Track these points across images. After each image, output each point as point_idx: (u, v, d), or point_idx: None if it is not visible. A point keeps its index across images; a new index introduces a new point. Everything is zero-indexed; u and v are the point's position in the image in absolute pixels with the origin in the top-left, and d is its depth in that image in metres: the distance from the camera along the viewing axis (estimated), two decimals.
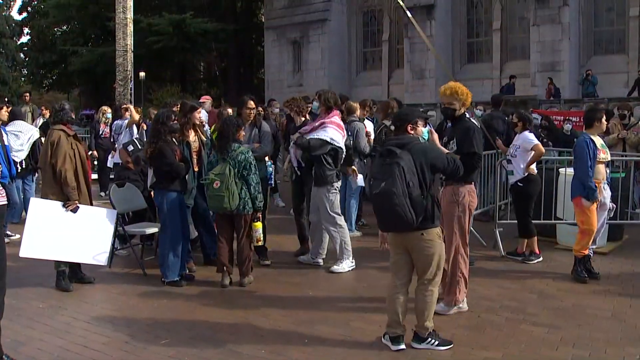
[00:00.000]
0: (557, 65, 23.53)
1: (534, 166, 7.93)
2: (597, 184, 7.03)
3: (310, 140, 7.29)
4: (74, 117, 7.20)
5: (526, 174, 7.82)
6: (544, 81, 23.49)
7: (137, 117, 11.47)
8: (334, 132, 7.37)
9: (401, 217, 4.76)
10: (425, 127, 5.31)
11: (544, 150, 7.97)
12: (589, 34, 24.41)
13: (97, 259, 6.96)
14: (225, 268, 6.89)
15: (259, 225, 6.91)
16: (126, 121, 11.80)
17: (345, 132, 7.69)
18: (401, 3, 10.24)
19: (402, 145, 4.96)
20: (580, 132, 7.60)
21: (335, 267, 7.47)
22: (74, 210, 6.67)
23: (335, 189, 7.50)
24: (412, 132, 5.16)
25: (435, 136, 5.89)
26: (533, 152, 7.81)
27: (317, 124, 7.45)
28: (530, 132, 8.07)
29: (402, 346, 5.07)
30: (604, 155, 7.13)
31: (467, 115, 6.25)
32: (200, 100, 12.25)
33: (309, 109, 10.97)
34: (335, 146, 7.38)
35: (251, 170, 6.74)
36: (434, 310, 5.18)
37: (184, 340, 5.33)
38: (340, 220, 7.55)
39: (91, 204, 7.01)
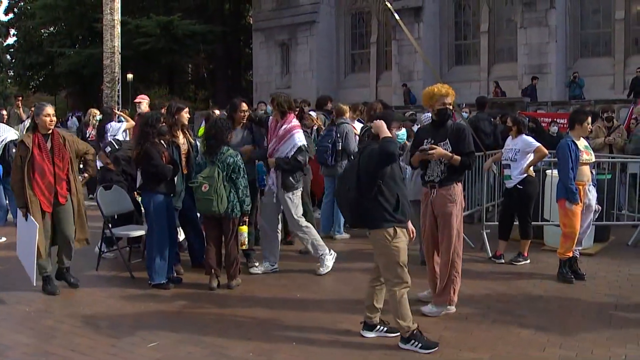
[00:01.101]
0: (544, 68, 23.68)
1: (531, 167, 7.96)
2: (581, 186, 7.06)
3: (298, 159, 7.23)
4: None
5: (525, 175, 7.81)
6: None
7: (132, 122, 11.48)
8: (301, 135, 7.35)
9: (345, 215, 5.30)
10: (401, 130, 5.27)
11: (547, 152, 7.94)
12: (576, 36, 24.59)
13: (30, 274, 6.67)
14: (213, 271, 6.88)
15: (244, 229, 6.90)
16: (124, 124, 11.78)
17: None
18: (389, 5, 10.28)
19: (361, 150, 5.25)
20: (565, 134, 7.62)
21: (321, 269, 7.45)
22: (26, 218, 6.48)
23: (299, 193, 7.51)
24: None
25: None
26: (533, 154, 7.79)
27: (281, 132, 7.27)
28: (527, 135, 8.07)
29: (369, 334, 5.27)
30: (588, 156, 7.13)
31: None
32: (136, 100, 11.65)
33: (297, 112, 10.95)
34: (307, 149, 7.43)
35: (240, 174, 6.72)
36: (404, 311, 5.12)
37: (172, 343, 5.31)
38: (304, 221, 7.53)
39: (46, 210, 6.54)
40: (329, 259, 7.52)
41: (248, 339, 5.40)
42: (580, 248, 7.52)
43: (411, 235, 5.33)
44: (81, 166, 7.13)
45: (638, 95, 19.93)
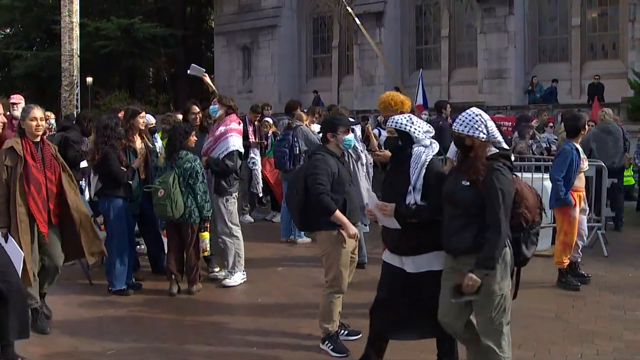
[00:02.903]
0: (503, 73, 24.01)
1: None
2: (580, 193, 7.11)
3: (226, 162, 7.02)
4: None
5: None
6: (491, 88, 23.98)
7: None
8: (237, 140, 7.17)
9: (294, 218, 5.40)
10: (348, 134, 5.25)
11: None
12: (534, 42, 25.01)
13: None
14: (173, 276, 6.81)
15: (206, 235, 6.83)
16: None
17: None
18: (350, 10, 10.35)
19: (309, 154, 5.39)
20: (565, 141, 7.48)
21: (227, 280, 7.22)
22: (5, 239, 5.39)
23: (234, 199, 7.29)
24: (332, 139, 5.20)
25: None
26: None
27: (217, 133, 7.14)
28: None
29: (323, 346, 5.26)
30: (585, 164, 7.21)
31: None
32: (11, 101, 9.91)
33: (258, 117, 10.93)
34: (240, 152, 7.29)
35: (198, 179, 6.65)
36: (329, 314, 5.16)
37: (131, 350, 5.24)
38: (237, 231, 7.26)
39: (42, 231, 5.61)
40: (240, 276, 7.27)
41: (208, 345, 5.36)
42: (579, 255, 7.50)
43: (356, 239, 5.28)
44: None
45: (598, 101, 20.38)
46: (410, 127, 4.39)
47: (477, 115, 4.07)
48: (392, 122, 4.49)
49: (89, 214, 6.33)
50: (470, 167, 4.03)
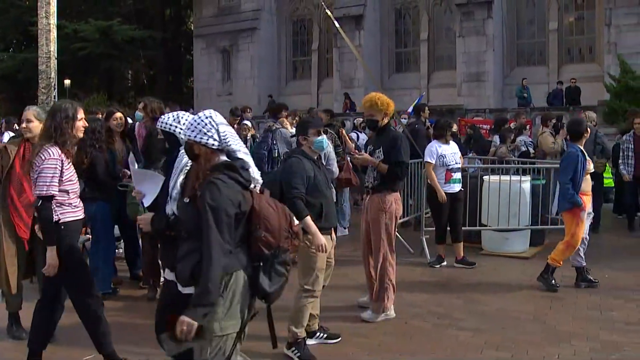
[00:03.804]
0: (482, 76, 24.18)
1: None
2: (587, 196, 7.10)
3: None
4: None
5: None
6: (470, 91, 24.14)
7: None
8: None
9: None
10: (319, 136, 5.14)
11: None
12: (512, 45, 25.23)
13: None
14: (151, 281, 6.73)
15: None
16: None
17: None
18: (329, 13, 10.33)
19: (285, 157, 5.43)
20: (570, 144, 7.51)
21: None
22: None
23: None
24: (304, 142, 5.16)
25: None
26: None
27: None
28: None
29: (309, 341, 5.23)
30: (590, 165, 7.22)
31: (392, 124, 6.35)
32: None
33: (238, 120, 10.89)
34: None
35: None
36: (300, 318, 5.08)
37: None
38: None
39: (22, 237, 5.43)
40: None
41: None
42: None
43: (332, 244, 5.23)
44: None
45: (574, 105, 20.60)
46: (176, 127, 3.94)
47: (207, 118, 3.46)
48: (160, 122, 4.06)
49: None
50: (189, 181, 3.48)
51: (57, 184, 4.49)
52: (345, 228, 10.13)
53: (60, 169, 4.51)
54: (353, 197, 12.13)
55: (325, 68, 29.79)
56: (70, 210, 4.66)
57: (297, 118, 9.99)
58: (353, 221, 10.17)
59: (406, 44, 27.98)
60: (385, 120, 6.12)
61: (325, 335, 5.40)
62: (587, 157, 7.20)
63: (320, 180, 5.08)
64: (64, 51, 27.80)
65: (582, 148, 7.13)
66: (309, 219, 4.87)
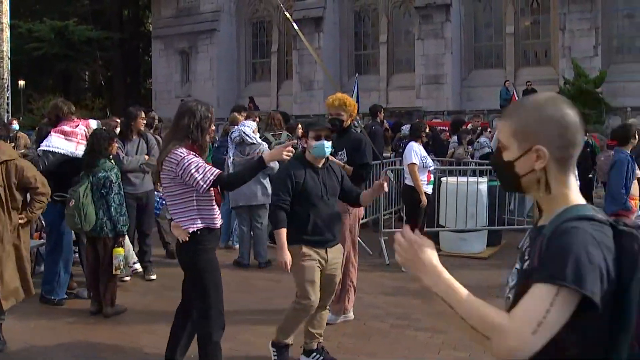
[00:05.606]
0: (440, 78, 24.48)
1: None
2: (635, 201, 7.09)
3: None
4: None
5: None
6: (428, 93, 24.41)
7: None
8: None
9: None
10: (319, 141, 4.79)
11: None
12: (470, 48, 25.60)
13: None
14: (92, 294, 6.39)
15: (120, 251, 6.17)
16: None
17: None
18: (288, 16, 10.33)
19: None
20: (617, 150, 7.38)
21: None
22: None
23: None
24: (306, 146, 4.92)
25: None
26: None
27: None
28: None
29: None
30: (638, 170, 7.21)
31: (353, 126, 6.34)
32: None
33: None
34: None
35: (112, 189, 6.09)
36: (289, 327, 4.96)
37: None
38: None
39: None
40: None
41: (145, 354, 5.25)
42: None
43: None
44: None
45: None
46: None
47: None
48: None
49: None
50: None
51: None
52: None
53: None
54: None
55: (285, 70, 29.81)
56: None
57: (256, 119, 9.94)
58: None
59: (365, 47, 28.18)
60: (349, 122, 6.08)
61: (321, 358, 5.12)
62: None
63: (310, 188, 4.73)
64: (18, 51, 27.31)
65: (628, 152, 7.05)
66: (282, 231, 4.66)
